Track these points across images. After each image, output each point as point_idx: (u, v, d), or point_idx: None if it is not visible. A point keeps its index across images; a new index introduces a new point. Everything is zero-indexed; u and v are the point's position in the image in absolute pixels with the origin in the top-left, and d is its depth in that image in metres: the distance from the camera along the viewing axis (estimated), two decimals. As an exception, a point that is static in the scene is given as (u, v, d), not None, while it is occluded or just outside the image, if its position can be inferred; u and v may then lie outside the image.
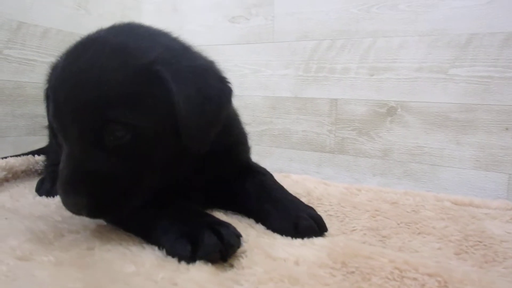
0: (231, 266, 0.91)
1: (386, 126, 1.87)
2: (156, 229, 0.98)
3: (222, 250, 0.89)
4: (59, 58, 1.06)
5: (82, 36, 1.04)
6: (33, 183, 1.63)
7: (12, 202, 1.36)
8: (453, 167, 1.73)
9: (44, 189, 1.49)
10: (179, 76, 0.92)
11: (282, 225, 1.08)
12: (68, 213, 1.24)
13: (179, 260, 0.90)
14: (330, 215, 1.37)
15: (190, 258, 0.89)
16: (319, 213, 1.21)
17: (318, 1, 1.98)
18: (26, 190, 1.53)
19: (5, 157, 1.74)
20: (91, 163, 0.90)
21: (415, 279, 0.83)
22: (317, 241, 1.04)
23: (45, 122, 1.19)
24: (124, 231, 1.09)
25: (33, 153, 1.88)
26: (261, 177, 1.26)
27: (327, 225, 1.21)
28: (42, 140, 2.09)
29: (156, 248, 0.98)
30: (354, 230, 1.26)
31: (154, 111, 0.92)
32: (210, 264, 0.88)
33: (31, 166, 1.73)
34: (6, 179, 1.56)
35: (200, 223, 0.94)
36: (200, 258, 0.88)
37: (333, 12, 1.94)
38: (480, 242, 1.11)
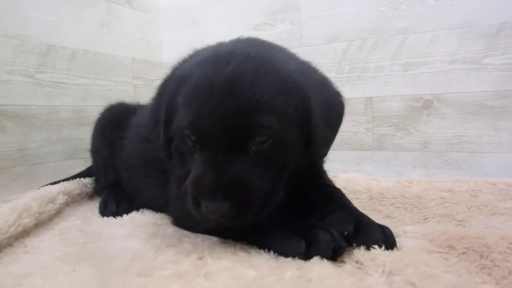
0: (344, 262, 0.95)
1: (424, 119, 1.93)
2: (264, 231, 1.01)
3: (336, 247, 0.93)
4: (177, 70, 1.11)
5: (196, 48, 1.17)
6: (91, 206, 1.64)
7: (86, 226, 1.36)
8: (492, 152, 1.81)
9: (110, 211, 1.51)
10: (313, 86, 1.00)
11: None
12: (152, 229, 1.27)
13: (293, 257, 0.94)
14: (398, 207, 1.42)
15: (304, 254, 0.92)
16: (387, 206, 1.25)
17: (345, 2, 2.05)
18: (89, 213, 1.54)
19: (55, 182, 1.73)
20: (234, 169, 0.93)
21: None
22: (409, 230, 1.09)
23: (82, 145, 1.23)
24: (220, 238, 1.12)
25: (74, 177, 1.87)
26: (333, 190, 1.26)
27: (399, 216, 1.25)
28: (79, 163, 2.09)
29: (262, 251, 1.01)
30: (427, 218, 1.31)
31: (293, 118, 0.96)
32: (326, 260, 0.92)
33: (83, 189, 1.73)
34: (67, 204, 1.56)
35: (312, 223, 0.97)
36: (314, 255, 0.92)
37: (362, 12, 2.01)
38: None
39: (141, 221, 1.41)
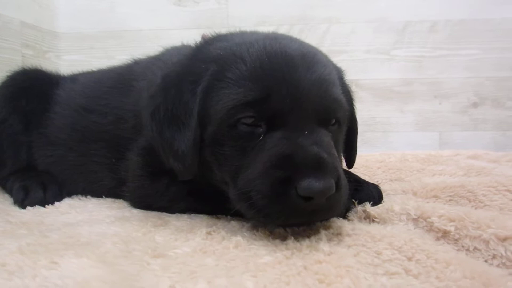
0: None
1: (342, 102, 2.10)
2: None
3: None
4: (206, 53, 0.94)
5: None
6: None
7: (11, 218, 1.05)
8: (399, 131, 2.09)
9: (34, 198, 1.19)
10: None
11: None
12: (114, 213, 1.06)
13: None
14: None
15: None
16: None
17: (273, -13, 2.08)
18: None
19: None
20: (327, 143, 0.84)
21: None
22: (387, 188, 1.17)
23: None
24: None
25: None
26: None
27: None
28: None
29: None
30: (380, 183, 1.42)
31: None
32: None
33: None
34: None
35: None
36: None
37: (290, -2, 2.08)
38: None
39: (88, 206, 1.16)
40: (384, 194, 1.10)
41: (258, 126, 0.84)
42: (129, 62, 1.32)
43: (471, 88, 2.12)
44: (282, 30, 2.10)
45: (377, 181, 1.43)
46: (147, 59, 1.27)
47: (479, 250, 0.75)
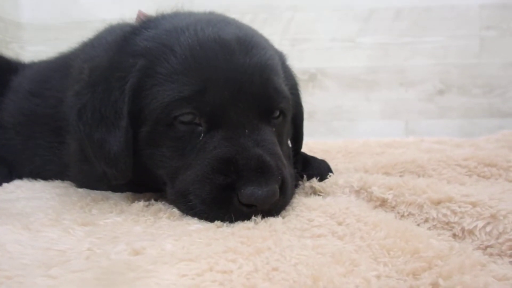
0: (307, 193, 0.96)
1: (309, 91, 2.10)
2: None
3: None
4: (133, 45, 0.86)
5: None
6: None
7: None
8: (365, 119, 2.09)
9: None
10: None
11: None
12: (57, 190, 1.03)
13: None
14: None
15: None
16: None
17: (237, -24, 2.07)
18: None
19: None
20: (270, 143, 0.79)
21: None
22: (341, 168, 1.16)
23: None
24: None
25: None
26: None
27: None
28: None
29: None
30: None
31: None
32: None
33: None
34: None
35: None
36: None
37: (254, -14, 2.07)
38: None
39: (35, 186, 1.13)
40: (336, 173, 1.10)
41: (198, 124, 0.79)
42: (76, 45, 1.30)
43: (437, 75, 2.13)
44: (246, 18, 2.08)
45: (336, 164, 1.43)
46: (85, 41, 1.24)
47: (413, 215, 0.75)
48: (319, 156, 1.51)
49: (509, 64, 2.10)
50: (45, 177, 1.22)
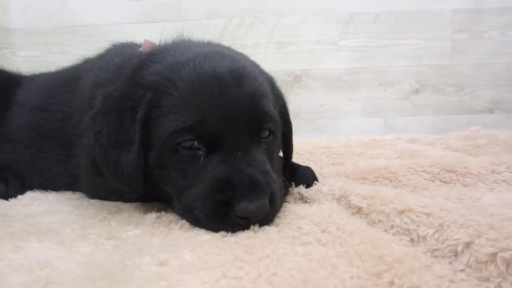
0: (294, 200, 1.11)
1: (295, 91, 2.24)
2: None
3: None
4: (141, 80, 0.98)
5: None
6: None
7: (6, 211, 1.12)
8: (347, 118, 2.25)
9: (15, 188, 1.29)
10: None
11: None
12: (72, 203, 1.15)
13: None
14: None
15: None
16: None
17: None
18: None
19: None
20: (260, 162, 0.92)
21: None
22: (325, 172, 1.31)
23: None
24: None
25: None
26: None
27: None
28: None
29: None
30: (323, 168, 1.58)
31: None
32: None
33: None
34: None
35: None
36: None
37: (241, -9, 2.17)
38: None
39: (48, 198, 1.24)
40: (321, 177, 1.25)
41: (198, 149, 0.92)
42: (80, 61, 1.40)
43: (413, 75, 2.30)
44: (233, 23, 2.20)
45: (321, 166, 1.59)
46: (93, 58, 1.34)
47: (382, 222, 0.90)
48: (305, 157, 1.68)
49: (479, 64, 2.27)
50: (55, 189, 1.33)
